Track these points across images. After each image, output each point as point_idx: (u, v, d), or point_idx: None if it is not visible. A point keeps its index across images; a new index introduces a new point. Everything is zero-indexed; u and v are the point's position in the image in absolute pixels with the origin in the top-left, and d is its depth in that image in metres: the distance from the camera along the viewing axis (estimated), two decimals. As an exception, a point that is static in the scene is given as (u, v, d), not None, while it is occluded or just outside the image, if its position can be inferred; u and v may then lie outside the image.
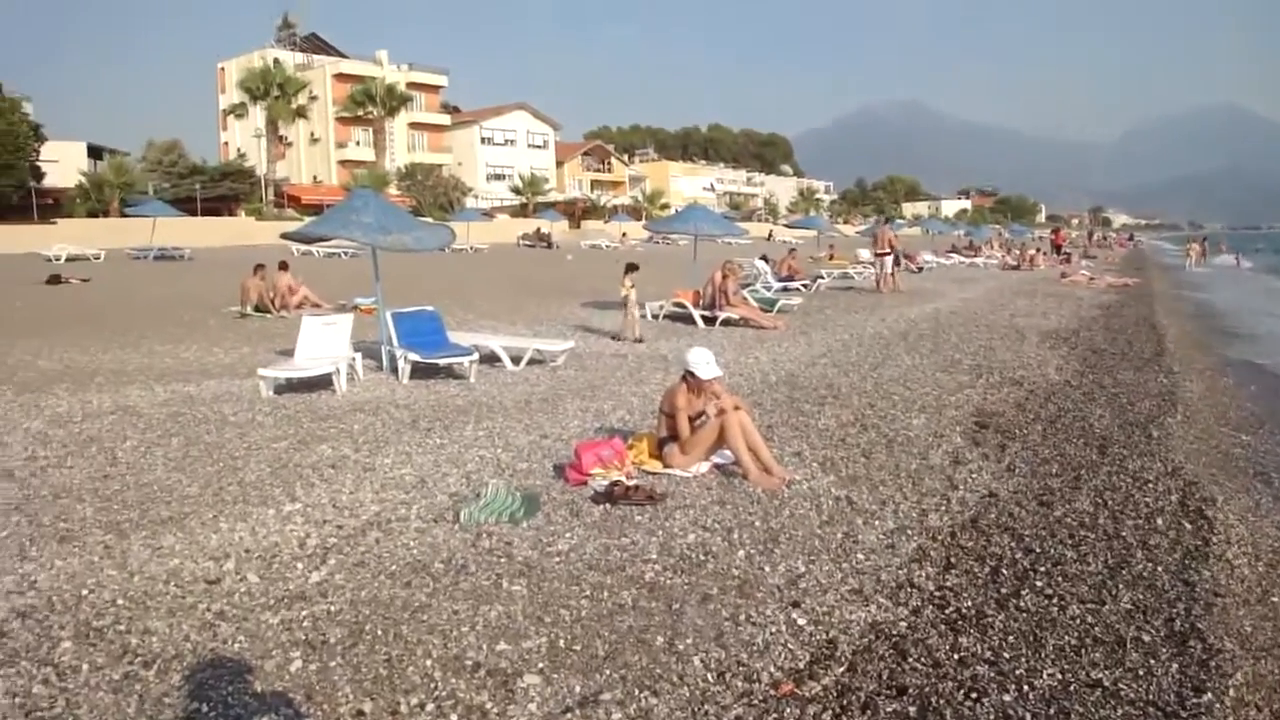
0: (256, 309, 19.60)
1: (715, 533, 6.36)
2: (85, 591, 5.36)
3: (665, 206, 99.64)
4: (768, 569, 5.78)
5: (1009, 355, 15.03)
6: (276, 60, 77.85)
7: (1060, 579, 5.78)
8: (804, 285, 26.88)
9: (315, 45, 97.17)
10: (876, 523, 6.69)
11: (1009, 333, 18.02)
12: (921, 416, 10.26)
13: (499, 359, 13.18)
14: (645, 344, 15.80)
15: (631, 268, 17.11)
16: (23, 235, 45.52)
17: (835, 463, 8.23)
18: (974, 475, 8.03)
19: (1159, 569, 5.99)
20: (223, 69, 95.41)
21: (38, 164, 56.88)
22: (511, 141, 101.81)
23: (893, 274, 27.21)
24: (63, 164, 61.62)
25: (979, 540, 6.46)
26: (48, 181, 58.77)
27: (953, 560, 6.09)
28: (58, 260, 37.01)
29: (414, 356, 12.14)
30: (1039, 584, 5.70)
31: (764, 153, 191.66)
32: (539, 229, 65.72)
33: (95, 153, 72.05)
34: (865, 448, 8.80)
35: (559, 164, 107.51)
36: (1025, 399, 11.56)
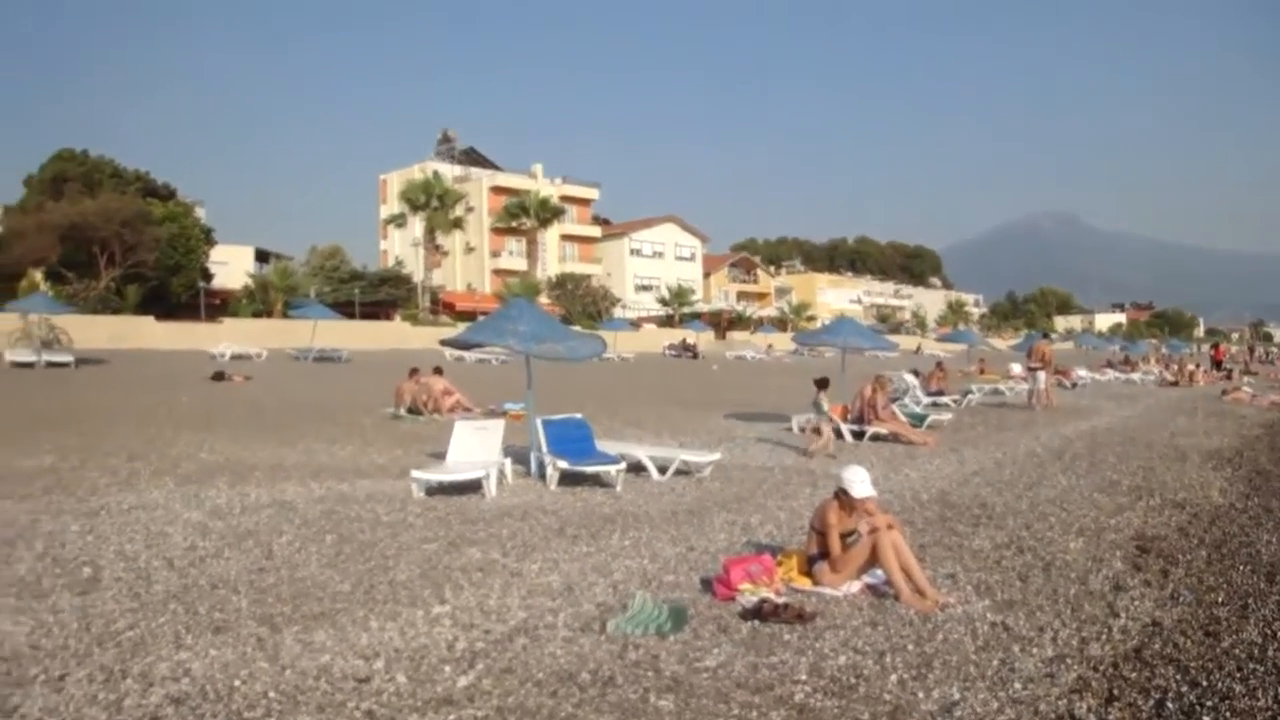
0: (410, 411, 20.05)
1: (867, 655, 6.20)
2: (238, 682, 5.47)
3: (812, 318, 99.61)
4: (921, 695, 5.60)
5: (1170, 476, 14.49)
6: (436, 173, 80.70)
7: (1229, 714, 5.48)
8: (953, 400, 26.40)
9: (473, 159, 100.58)
10: (1034, 650, 6.45)
11: (1169, 452, 17.39)
12: (1080, 539, 9.92)
13: (645, 468, 13.21)
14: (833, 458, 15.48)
15: (823, 383, 16.94)
16: (191, 333, 47.65)
17: (990, 586, 7.98)
18: (1136, 602, 7.70)
19: (1335, 707, 5.65)
20: (385, 180, 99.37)
21: (207, 266, 59.68)
22: (659, 253, 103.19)
23: (1046, 389, 26.56)
24: (231, 266, 64.58)
25: (1142, 671, 6.17)
26: (216, 282, 61.59)
27: (1115, 692, 5.82)
28: (222, 358, 38.56)
29: (562, 464, 12.24)
30: (1206, 719, 5.42)
31: (911, 265, 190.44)
32: (685, 339, 66.18)
33: (262, 256, 75.41)
34: (1021, 571, 8.53)
35: (706, 275, 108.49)
36: (1188, 523, 11.10)
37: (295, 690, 5.40)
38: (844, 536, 7.70)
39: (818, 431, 16.34)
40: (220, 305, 59.31)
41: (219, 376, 29.87)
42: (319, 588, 7.43)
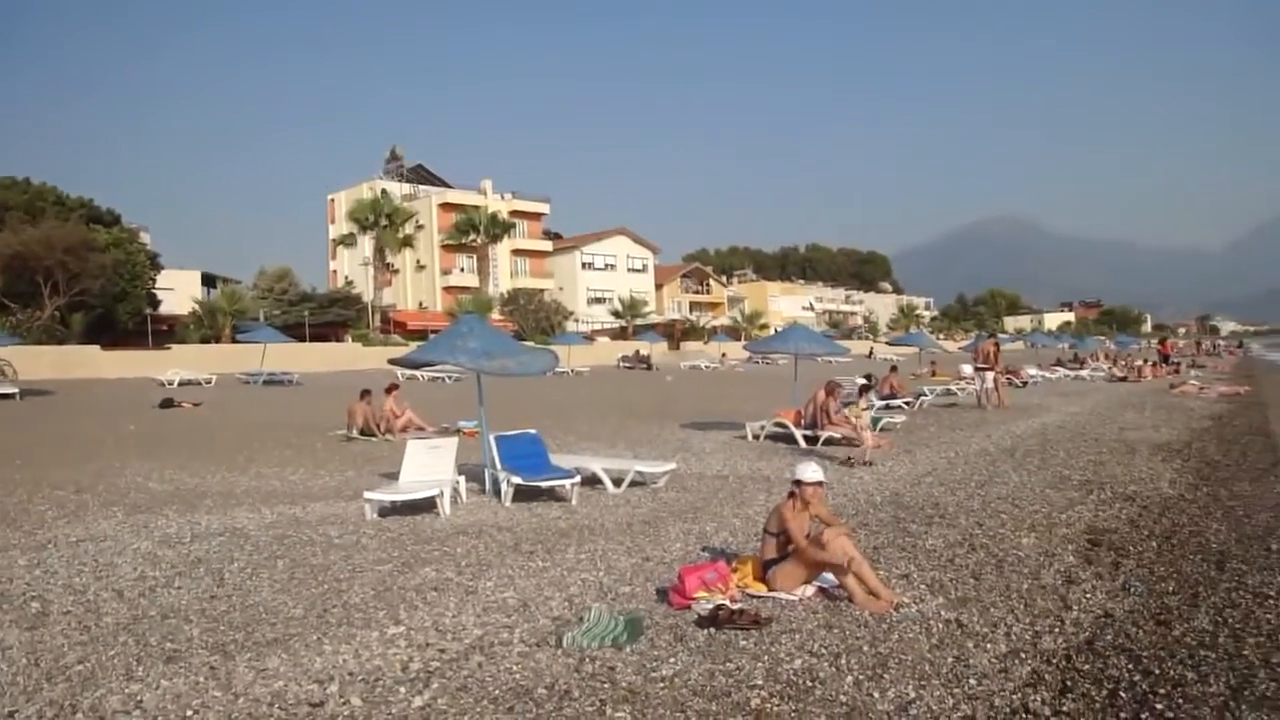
0: (362, 432, 19.91)
1: (822, 658, 6.23)
2: (190, 713, 5.42)
3: (764, 326, 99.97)
4: (876, 695, 5.63)
5: (1120, 470, 14.66)
6: (384, 191, 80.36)
7: (1181, 701, 5.56)
8: (906, 403, 26.56)
9: (421, 176, 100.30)
10: (988, 646, 6.50)
11: (1119, 446, 17.59)
12: (1031, 535, 10.01)
13: (600, 481, 13.19)
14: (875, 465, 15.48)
15: (865, 388, 17.15)
16: (139, 361, 46.99)
17: (944, 584, 8.04)
18: (1088, 595, 7.78)
19: (1285, 689, 5.74)
20: (333, 200, 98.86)
21: (154, 292, 58.98)
22: (611, 266, 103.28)
23: (997, 389, 26.77)
24: (178, 292, 63.86)
25: (1095, 662, 6.24)
26: (163, 308, 60.86)
27: (1069, 684, 5.88)
28: (171, 385, 38.08)
29: (516, 479, 12.20)
30: (1159, 707, 5.49)
31: (863, 270, 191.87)
32: (638, 351, 66.17)
33: (209, 281, 74.64)
34: (974, 568, 8.60)
35: (658, 286, 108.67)
36: (1138, 515, 11.23)
37: (248, 718, 5.34)
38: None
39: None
40: (167, 331, 58.61)
41: (168, 404, 29.54)
42: (271, 613, 7.36)
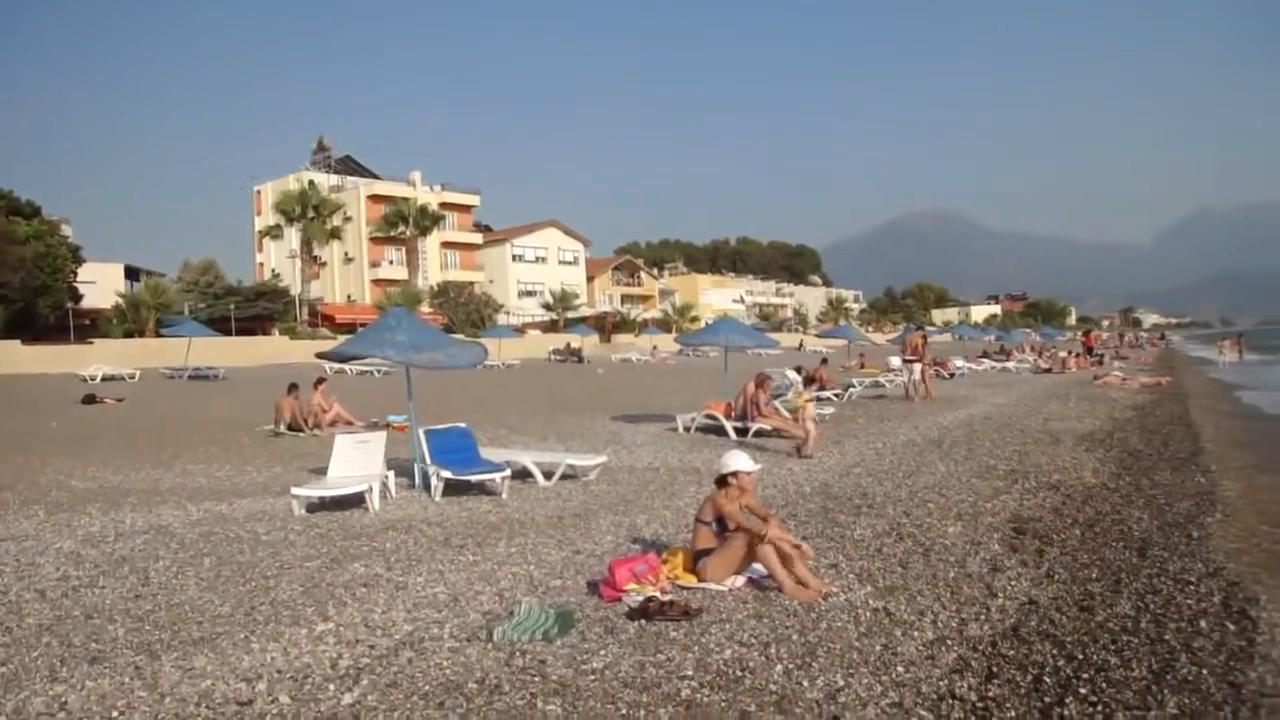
0: (290, 428, 19.69)
1: (752, 648, 6.26)
2: (115, 714, 5.33)
3: (695, 319, 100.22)
4: (806, 684, 5.68)
5: (1044, 459, 14.91)
6: (311, 182, 79.40)
7: (1104, 685, 5.67)
8: (835, 394, 26.78)
9: (349, 167, 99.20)
10: (915, 634, 6.58)
11: (1043, 437, 17.89)
12: (958, 524, 10.16)
13: (531, 475, 13.16)
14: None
15: (811, 379, 17.31)
16: (60, 356, 46.10)
17: (872, 573, 8.13)
18: (1013, 582, 7.91)
19: (1204, 672, 5.88)
20: (259, 191, 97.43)
21: (76, 285, 57.82)
22: (542, 258, 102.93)
23: (924, 380, 27.08)
24: (100, 285, 62.70)
25: (1020, 649, 6.34)
26: (85, 302, 59.71)
27: (994, 670, 5.97)
28: (94, 380, 37.45)
29: (446, 474, 12.12)
30: (1083, 691, 5.59)
31: (793, 264, 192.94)
32: (569, 343, 66.12)
33: (133, 274, 73.34)
34: (902, 557, 8.70)
35: (589, 279, 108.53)
36: (1062, 503, 11.44)
37: (175, 718, 5.27)
38: (731, 528, 7.82)
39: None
40: (90, 326, 57.48)
41: (90, 399, 28.98)
42: (198, 612, 7.26)
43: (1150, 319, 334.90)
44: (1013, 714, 5.31)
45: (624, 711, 5.28)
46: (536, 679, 5.75)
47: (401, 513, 11.29)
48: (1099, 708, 5.35)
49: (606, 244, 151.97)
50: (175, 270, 75.04)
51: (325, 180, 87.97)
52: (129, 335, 56.09)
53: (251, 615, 7.13)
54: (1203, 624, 6.79)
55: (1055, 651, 6.27)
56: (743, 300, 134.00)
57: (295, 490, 11.43)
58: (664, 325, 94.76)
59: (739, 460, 8.07)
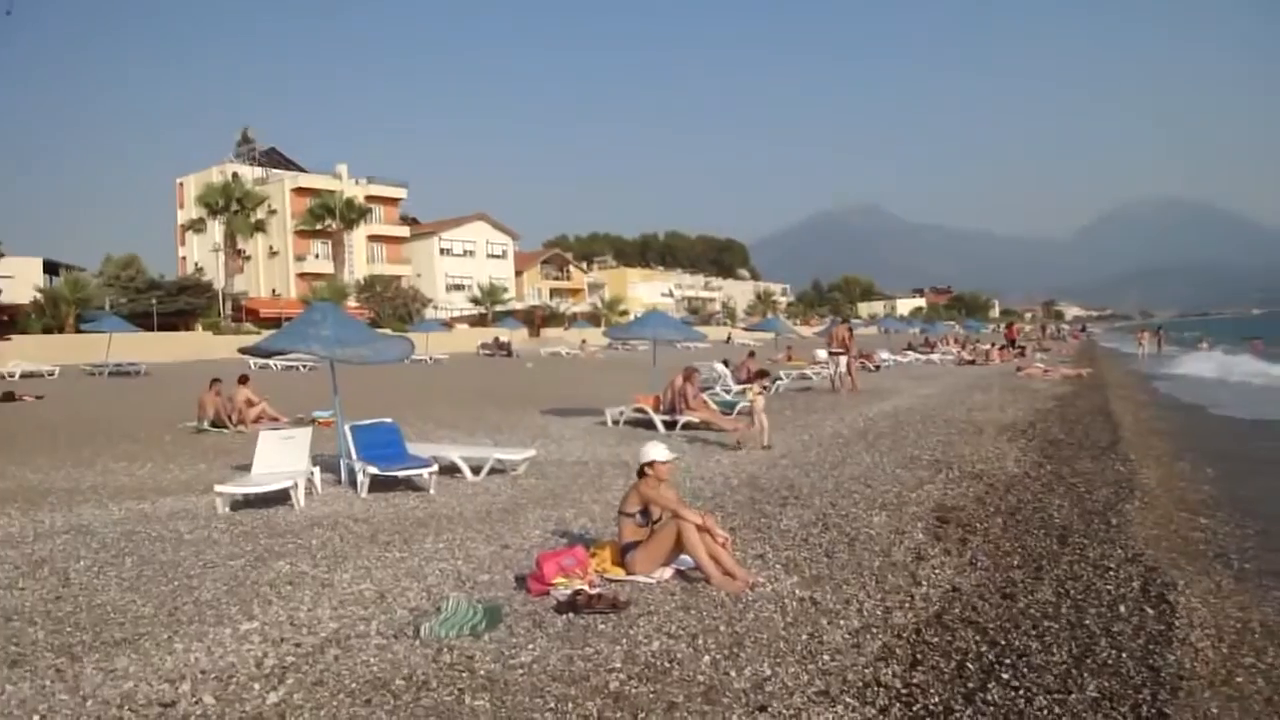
0: (213, 424, 19.41)
1: (680, 639, 6.30)
2: (37, 717, 5.24)
3: (624, 313, 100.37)
4: (733, 674, 5.72)
5: (968, 449, 15.12)
6: (235, 175, 78.39)
7: (1026, 670, 5.77)
8: (763, 387, 26.89)
9: (274, 160, 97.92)
10: (841, 622, 6.65)
11: (967, 427, 18.14)
12: (883, 514, 10.27)
13: (459, 470, 13.11)
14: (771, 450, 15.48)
15: (762, 374, 17.55)
16: (-24, 352, 45.15)
17: (798, 563, 8.20)
18: (937, 571, 8.03)
19: (1124, 656, 6.01)
20: (181, 184, 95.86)
21: (-8, 280, 56.70)
22: (470, 252, 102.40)
23: (850, 373, 27.31)
24: (18, 280, 61.29)
25: (944, 635, 6.44)
26: (2, 298, 58.42)
27: (919, 657, 6.06)
28: (11, 377, 36.71)
29: (373, 470, 12.03)
30: (1005, 676, 5.69)
31: (721, 258, 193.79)
32: (498, 338, 65.88)
33: (51, 268, 71.77)
34: (828, 547, 8.79)
35: (518, 273, 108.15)
36: (985, 492, 11.62)
37: (96, 720, 5.19)
38: (656, 519, 7.85)
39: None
40: (7, 322, 56.30)
41: (8, 396, 28.34)
42: (120, 612, 7.14)
43: (1072, 311, 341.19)
44: (937, 700, 5.39)
45: (552, 705, 5.28)
46: (464, 674, 5.73)
47: (327, 509, 11.18)
48: (1021, 692, 5.44)
49: (535, 238, 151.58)
50: (96, 265, 73.67)
51: (250, 173, 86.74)
52: (48, 331, 55.05)
53: (175, 615, 7.03)
54: (1122, 609, 6.94)
55: (978, 638, 6.38)
56: (672, 294, 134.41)
57: (219, 488, 11.29)
58: (593, 319, 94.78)
59: (656, 450, 8.11)
